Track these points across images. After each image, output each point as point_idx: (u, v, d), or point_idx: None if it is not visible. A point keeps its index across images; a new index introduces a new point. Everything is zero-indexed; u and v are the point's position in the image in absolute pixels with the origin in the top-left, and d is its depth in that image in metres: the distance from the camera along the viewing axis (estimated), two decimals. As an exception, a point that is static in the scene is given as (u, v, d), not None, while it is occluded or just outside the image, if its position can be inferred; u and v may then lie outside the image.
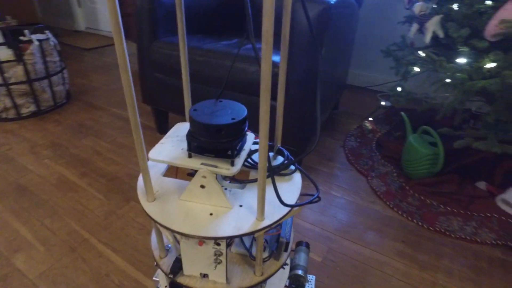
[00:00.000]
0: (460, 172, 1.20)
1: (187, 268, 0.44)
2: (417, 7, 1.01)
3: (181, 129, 0.49)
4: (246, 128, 0.43)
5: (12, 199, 1.05)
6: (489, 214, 1.04)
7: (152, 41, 1.20)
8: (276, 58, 1.02)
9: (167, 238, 0.39)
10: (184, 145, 0.45)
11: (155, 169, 0.48)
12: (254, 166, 0.47)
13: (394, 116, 1.71)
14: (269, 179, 0.45)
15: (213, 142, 0.39)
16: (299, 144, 1.10)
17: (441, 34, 0.99)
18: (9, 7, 3.33)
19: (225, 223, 0.39)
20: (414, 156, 1.18)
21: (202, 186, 0.40)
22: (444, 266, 0.87)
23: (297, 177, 0.48)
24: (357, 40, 2.03)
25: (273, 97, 0.99)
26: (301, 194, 0.45)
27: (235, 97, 1.11)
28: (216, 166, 0.40)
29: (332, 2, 0.90)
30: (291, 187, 0.46)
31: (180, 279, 0.44)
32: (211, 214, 0.40)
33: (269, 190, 0.43)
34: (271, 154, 0.51)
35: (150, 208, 0.41)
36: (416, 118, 1.60)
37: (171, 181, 0.46)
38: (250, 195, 0.44)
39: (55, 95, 1.62)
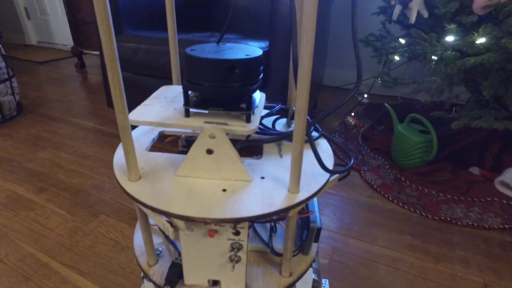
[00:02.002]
0: (451, 159, 1.17)
1: (189, 275, 0.31)
2: (401, -13, 0.98)
3: (169, 91, 0.38)
4: (262, 74, 0.32)
5: None
6: (489, 199, 1.00)
7: (116, 36, 1.07)
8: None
9: (165, 228, 0.26)
10: (176, 105, 0.33)
11: (138, 144, 0.35)
12: (270, 133, 0.35)
13: (373, 111, 1.68)
14: (288, 145, 0.35)
15: (222, 87, 0.28)
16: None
17: (425, 14, 0.96)
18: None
19: (248, 199, 0.27)
20: (405, 145, 1.13)
21: (209, 152, 0.29)
22: (459, 256, 0.80)
23: (324, 143, 0.38)
24: (330, 38, 2.01)
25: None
26: (348, 168, 0.35)
27: None
28: (225, 124, 0.29)
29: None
30: (322, 153, 0.35)
31: (181, 291, 0.31)
32: (224, 190, 0.28)
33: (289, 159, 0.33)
34: (284, 119, 0.41)
35: (134, 188, 0.28)
36: (397, 111, 1.58)
37: (160, 156, 0.33)
38: (270, 165, 0.33)
39: (2, 107, 1.41)
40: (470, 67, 0.86)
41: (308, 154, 0.35)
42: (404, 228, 0.90)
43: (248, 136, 0.34)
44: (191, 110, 0.30)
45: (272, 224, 0.37)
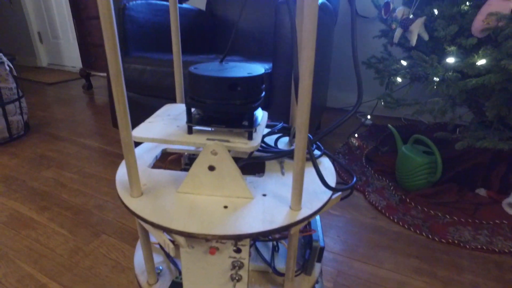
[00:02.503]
0: (457, 180, 1.15)
1: (189, 294, 0.31)
2: (399, 12, 1.01)
3: (173, 109, 0.38)
4: (263, 93, 0.32)
5: None
6: (498, 221, 0.98)
7: (123, 57, 1.10)
8: (263, 67, 0.95)
9: (165, 245, 0.26)
10: (179, 123, 0.33)
11: (141, 161, 0.35)
12: (273, 151, 0.36)
13: (377, 133, 1.68)
14: (290, 163, 0.35)
15: (225, 104, 0.29)
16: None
17: (426, 36, 0.98)
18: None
19: (249, 216, 0.27)
20: (409, 166, 1.13)
21: (211, 168, 0.29)
22: (469, 281, 0.78)
23: (326, 161, 0.38)
24: (333, 62, 2.05)
25: (262, 107, 0.90)
26: (351, 186, 0.34)
27: None
28: (227, 141, 0.29)
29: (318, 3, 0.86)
30: (324, 171, 0.35)
31: (180, 312, 0.31)
32: (225, 207, 0.28)
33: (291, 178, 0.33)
34: (286, 138, 0.41)
35: (136, 204, 0.28)
36: (401, 132, 1.58)
37: (163, 173, 0.33)
38: (272, 183, 0.32)
39: (10, 126, 1.44)
40: (472, 88, 0.87)
41: (310, 172, 0.35)
42: (410, 251, 0.88)
43: (251, 153, 0.34)
44: (194, 127, 0.31)
45: (274, 243, 0.37)
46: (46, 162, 1.30)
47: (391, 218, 1.02)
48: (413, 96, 1.81)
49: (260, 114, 0.35)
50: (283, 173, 0.34)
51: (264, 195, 0.30)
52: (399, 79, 1.26)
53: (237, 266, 0.29)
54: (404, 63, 1.20)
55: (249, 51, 1.54)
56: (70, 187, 1.13)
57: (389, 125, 1.31)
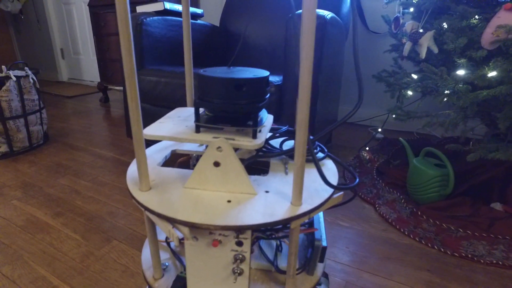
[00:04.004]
0: (471, 194, 1.13)
1: (194, 287, 0.32)
2: (409, 25, 1.02)
3: (183, 111, 0.40)
4: (268, 94, 0.34)
5: (-33, 246, 0.88)
6: (514, 236, 0.95)
7: (139, 70, 1.15)
8: (274, 79, 0.98)
9: (170, 234, 0.27)
10: (188, 123, 0.35)
11: (151, 160, 0.37)
12: (275, 151, 0.37)
13: (388, 146, 1.67)
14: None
15: (231, 105, 0.30)
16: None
17: (435, 49, 0.99)
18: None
19: (250, 209, 0.28)
20: (421, 179, 1.11)
21: (216, 164, 0.30)
22: (483, 296, 0.75)
23: (329, 163, 0.39)
24: (344, 76, 2.07)
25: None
26: (354, 186, 0.35)
27: None
28: (233, 139, 0.30)
29: (327, 18, 0.89)
30: (326, 172, 0.36)
31: (184, 304, 0.31)
32: (229, 201, 0.29)
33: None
34: (291, 141, 0.42)
35: (144, 197, 0.30)
36: (412, 146, 1.57)
37: (172, 171, 0.35)
38: (276, 181, 0.34)
39: (31, 136, 1.50)
40: (483, 99, 0.87)
41: (312, 172, 0.36)
42: (421, 264, 0.86)
43: (257, 152, 0.36)
44: (201, 126, 0.32)
45: (278, 242, 0.38)
46: (63, 170, 1.35)
47: (402, 230, 1.01)
48: (424, 109, 1.80)
49: (266, 116, 0.37)
50: (286, 173, 0.35)
51: (267, 191, 0.31)
52: (410, 93, 1.26)
53: (238, 259, 0.30)
54: (414, 76, 1.21)
55: (260, 65, 1.57)
56: (84, 194, 1.16)
57: (400, 138, 1.31)
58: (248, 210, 0.28)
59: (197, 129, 0.33)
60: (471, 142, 1.24)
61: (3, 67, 1.30)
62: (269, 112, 0.97)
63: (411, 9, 1.14)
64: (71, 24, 3.23)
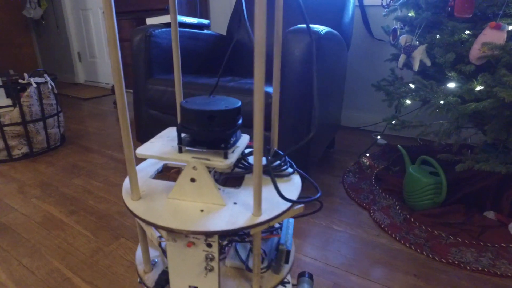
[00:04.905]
0: (466, 202, 1.16)
1: (174, 280, 0.38)
2: (402, 39, 1.06)
3: (173, 131, 0.47)
4: (240, 121, 0.40)
5: (-9, 239, 0.98)
6: (504, 245, 0.98)
7: (147, 79, 1.23)
8: (269, 89, 1.03)
9: (152, 238, 0.34)
10: (174, 143, 0.42)
11: (144, 173, 0.44)
12: (249, 167, 0.43)
13: (390, 152, 1.70)
14: (268, 179, 0.42)
15: (205, 131, 0.37)
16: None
17: (428, 62, 1.03)
18: (14, 62, 3.50)
19: (218, 218, 0.34)
20: (415, 186, 1.15)
21: (193, 180, 0.37)
22: (464, 300, 0.79)
23: (296, 178, 0.45)
24: (348, 82, 2.11)
25: (269, 129, 0.98)
26: (302, 197, 0.41)
27: None
28: (207, 159, 0.37)
29: (322, 33, 0.94)
30: (291, 186, 0.42)
31: (167, 295, 0.38)
32: (202, 210, 0.36)
33: (267, 189, 0.40)
34: (263, 158, 0.48)
35: (134, 205, 0.37)
36: (413, 152, 1.60)
37: (160, 183, 0.42)
38: (245, 194, 0.40)
39: (49, 138, 1.61)
40: (473, 112, 0.90)
41: (278, 186, 0.42)
42: (408, 269, 0.90)
43: (233, 169, 0.42)
44: (184, 148, 0.39)
45: (251, 245, 0.44)
46: (77, 171, 1.45)
47: (393, 236, 1.05)
48: (422, 118, 1.82)
49: (240, 137, 0.43)
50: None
51: (235, 203, 0.38)
52: (408, 102, 1.30)
53: (209, 258, 0.36)
54: (412, 86, 1.24)
55: (266, 73, 1.63)
56: (96, 194, 1.25)
57: (399, 146, 1.34)
58: (215, 219, 0.34)
59: (180, 150, 0.39)
60: (468, 151, 1.27)
61: (25, 74, 1.41)
62: (265, 122, 1.03)
63: (402, 25, 1.18)
64: (88, 29, 3.38)
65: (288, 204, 0.38)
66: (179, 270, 0.38)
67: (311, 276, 0.74)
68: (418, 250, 0.98)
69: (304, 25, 0.97)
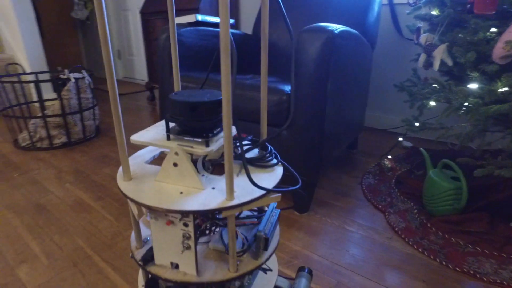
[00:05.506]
0: (490, 210, 1.10)
1: (158, 256, 0.42)
2: (423, 38, 1.03)
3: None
4: (221, 113, 0.43)
5: (30, 216, 1.10)
6: (529, 258, 0.92)
7: (171, 75, 1.30)
8: (288, 88, 1.05)
9: (134, 211, 0.38)
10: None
11: (141, 158, 0.49)
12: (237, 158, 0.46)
13: (415, 155, 1.64)
14: (254, 168, 0.45)
15: (188, 121, 0.40)
16: (308, 174, 1.08)
17: (449, 62, 0.99)
18: (61, 60, 3.81)
19: (193, 200, 0.38)
20: (435, 191, 1.11)
21: (175, 165, 0.41)
22: (473, 311, 0.76)
23: (279, 169, 0.47)
24: (373, 83, 2.06)
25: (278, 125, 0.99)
26: (281, 186, 0.43)
27: (246, 126, 1.14)
28: (191, 146, 0.40)
29: (336, 32, 0.95)
30: (271, 176, 0.44)
31: (151, 269, 0.42)
32: (181, 192, 0.40)
33: (246, 177, 0.43)
34: (256, 150, 0.51)
35: (124, 185, 0.41)
36: (438, 156, 1.53)
37: (152, 167, 0.46)
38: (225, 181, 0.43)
39: (85, 129, 1.75)
40: (496, 114, 0.86)
41: (258, 176, 0.44)
42: (418, 274, 0.88)
43: (221, 157, 0.45)
44: (171, 136, 0.43)
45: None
46: (107, 161, 1.56)
47: (406, 240, 1.02)
48: (447, 120, 1.72)
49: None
50: (237, 175, 0.44)
51: (213, 188, 0.41)
52: (432, 103, 1.25)
53: (186, 236, 0.40)
54: (437, 86, 1.20)
55: (285, 72, 1.65)
56: (122, 182, 1.35)
57: (421, 148, 1.30)
58: (191, 200, 0.38)
59: (168, 138, 0.43)
60: (487, 156, 1.20)
61: (65, 70, 1.55)
62: (279, 119, 1.05)
63: (423, 24, 1.14)
64: (127, 28, 3.59)
65: (262, 192, 0.40)
66: (161, 246, 0.42)
67: (310, 272, 0.76)
68: (431, 256, 0.95)
69: (320, 24, 0.97)
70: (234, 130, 0.47)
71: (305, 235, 1.04)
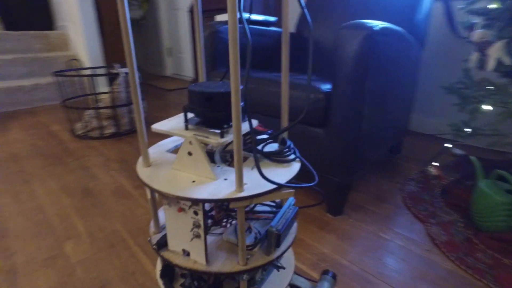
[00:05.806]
0: (552, 230, 0.97)
1: (171, 242, 0.44)
2: (477, 34, 0.94)
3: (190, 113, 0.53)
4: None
5: (78, 198, 1.20)
6: None
7: (212, 71, 1.33)
8: (325, 87, 1.02)
9: (148, 195, 0.39)
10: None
11: (163, 147, 0.51)
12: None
13: (466, 164, 1.50)
14: (269, 162, 0.44)
15: (204, 111, 0.41)
16: (343, 175, 1.04)
17: (507, 61, 0.89)
18: (116, 57, 4.11)
19: (203, 189, 0.38)
20: (486, 204, 1.00)
21: (190, 153, 0.41)
22: None
23: (296, 165, 0.46)
24: (422, 84, 1.92)
25: (319, 125, 0.98)
26: (296, 182, 0.42)
27: (270, 121, 1.13)
28: (206, 136, 0.41)
29: (375, 29, 0.90)
30: (286, 171, 0.43)
31: (164, 254, 0.44)
32: (193, 181, 0.40)
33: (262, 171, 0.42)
34: (276, 144, 0.50)
35: (142, 171, 0.43)
36: (491, 166, 1.38)
37: (172, 156, 0.48)
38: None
39: (132, 121, 1.86)
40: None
41: (272, 170, 0.43)
42: (458, 293, 0.80)
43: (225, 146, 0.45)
44: (189, 125, 0.44)
45: (249, 225, 0.46)
46: (150, 152, 1.65)
47: (447, 254, 0.94)
48: (500, 126, 1.54)
49: (246, 122, 0.46)
50: (252, 168, 0.44)
51: (226, 179, 0.41)
52: (488, 107, 1.14)
53: (196, 224, 0.40)
54: (493, 88, 1.09)
55: (329, 69, 1.60)
56: (160, 173, 1.41)
57: (472, 157, 1.19)
58: (201, 189, 0.38)
59: (186, 127, 0.44)
60: None
61: (116, 65, 1.66)
62: (316, 118, 1.03)
63: (478, 19, 1.03)
64: (176, 27, 3.76)
65: (273, 186, 0.39)
66: (174, 233, 0.43)
67: (334, 276, 0.73)
68: (477, 276, 0.86)
69: (360, 20, 0.93)
70: (255, 123, 0.47)
71: (336, 239, 1.01)
